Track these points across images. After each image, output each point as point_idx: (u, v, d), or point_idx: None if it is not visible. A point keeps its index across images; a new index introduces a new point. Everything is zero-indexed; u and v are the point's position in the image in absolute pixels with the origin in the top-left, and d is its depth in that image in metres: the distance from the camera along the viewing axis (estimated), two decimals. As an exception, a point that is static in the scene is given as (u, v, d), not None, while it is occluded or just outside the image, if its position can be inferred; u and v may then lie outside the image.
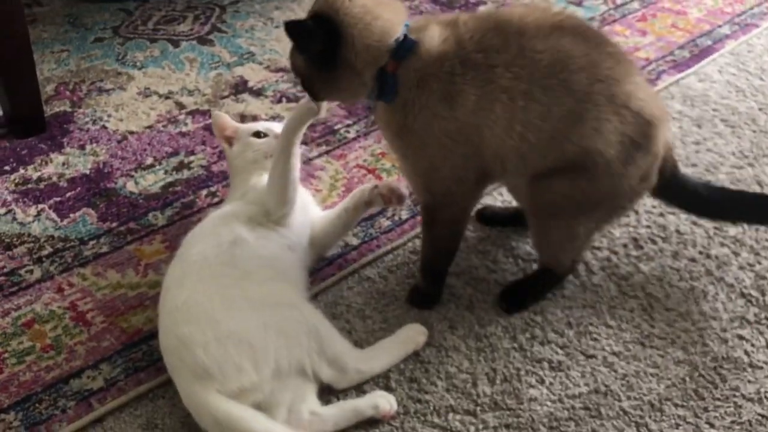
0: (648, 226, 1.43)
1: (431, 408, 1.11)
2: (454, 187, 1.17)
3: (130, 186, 1.53)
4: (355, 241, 1.39)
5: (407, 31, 1.12)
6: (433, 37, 1.12)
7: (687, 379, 1.15)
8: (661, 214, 1.44)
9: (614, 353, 1.19)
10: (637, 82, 1.16)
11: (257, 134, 1.33)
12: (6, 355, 1.18)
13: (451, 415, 1.10)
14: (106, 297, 1.28)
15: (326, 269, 1.33)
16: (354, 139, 1.67)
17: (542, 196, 1.19)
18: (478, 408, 1.11)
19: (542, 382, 1.15)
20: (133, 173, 1.57)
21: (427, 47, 1.11)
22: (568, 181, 1.15)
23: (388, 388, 1.13)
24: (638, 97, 1.14)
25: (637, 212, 1.45)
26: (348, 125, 1.70)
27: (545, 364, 1.17)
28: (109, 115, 1.75)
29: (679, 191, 1.28)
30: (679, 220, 1.43)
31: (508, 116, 1.10)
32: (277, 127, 1.32)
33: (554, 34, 1.12)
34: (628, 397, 1.12)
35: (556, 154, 1.14)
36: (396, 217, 1.45)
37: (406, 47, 1.11)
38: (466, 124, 1.11)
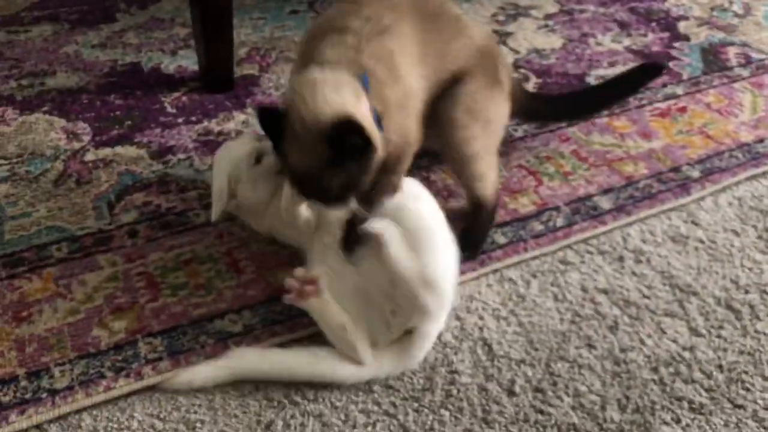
0: (833, 280, 1.28)
1: (553, 422, 1.07)
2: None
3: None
4: (502, 240, 1.37)
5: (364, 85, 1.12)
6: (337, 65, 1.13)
7: None
8: None
9: (767, 409, 1.08)
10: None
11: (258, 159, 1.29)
12: (163, 286, 1.28)
13: (572, 433, 1.05)
14: (260, 251, 1.35)
15: (467, 264, 1.31)
16: (521, 138, 1.63)
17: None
18: (603, 433, 1.05)
19: (678, 421, 1.07)
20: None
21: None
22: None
23: (510, 392, 1.10)
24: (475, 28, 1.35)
25: (822, 263, 1.31)
26: (516, 123, 1.67)
27: (685, 404, 1.09)
28: (291, 84, 1.84)
29: (537, 106, 1.57)
30: None
31: (418, 53, 1.21)
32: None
33: None
34: (776, 460, 1.02)
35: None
36: (551, 223, 1.40)
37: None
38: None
